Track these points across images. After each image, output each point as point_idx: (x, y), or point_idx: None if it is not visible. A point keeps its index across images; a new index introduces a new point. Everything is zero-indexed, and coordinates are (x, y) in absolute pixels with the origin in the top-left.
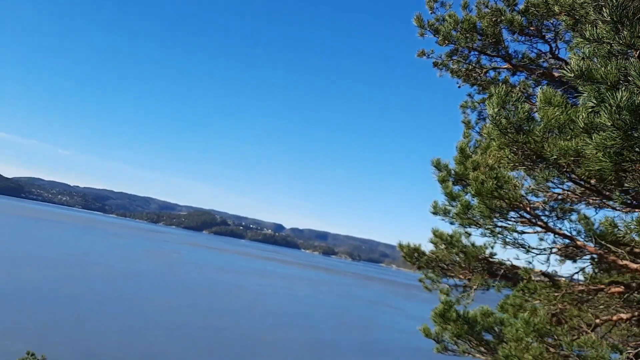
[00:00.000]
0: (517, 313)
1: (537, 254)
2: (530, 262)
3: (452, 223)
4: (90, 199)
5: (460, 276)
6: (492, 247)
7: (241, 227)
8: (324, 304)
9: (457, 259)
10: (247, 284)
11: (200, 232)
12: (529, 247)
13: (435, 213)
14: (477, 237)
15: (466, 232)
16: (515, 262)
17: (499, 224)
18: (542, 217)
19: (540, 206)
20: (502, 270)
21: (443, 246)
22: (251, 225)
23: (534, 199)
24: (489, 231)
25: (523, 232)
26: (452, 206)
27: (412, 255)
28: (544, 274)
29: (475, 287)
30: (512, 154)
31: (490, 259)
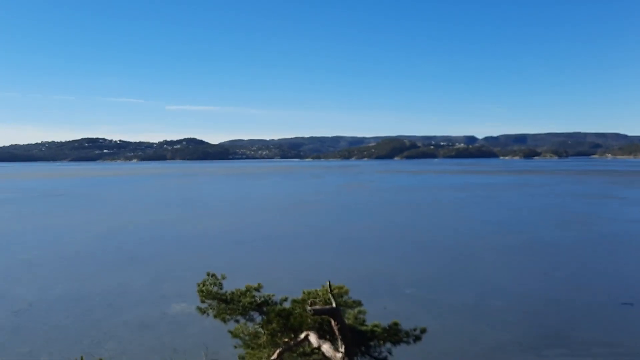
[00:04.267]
0: None
1: None
2: None
3: None
4: (286, 149)
5: None
6: None
7: (432, 147)
8: (535, 206)
9: None
10: (448, 198)
11: (392, 160)
12: None
13: None
14: None
15: None
16: None
17: None
18: None
19: None
20: None
21: None
22: (442, 143)
23: None
24: None
25: None
26: None
27: None
28: None
29: None
30: None
31: None
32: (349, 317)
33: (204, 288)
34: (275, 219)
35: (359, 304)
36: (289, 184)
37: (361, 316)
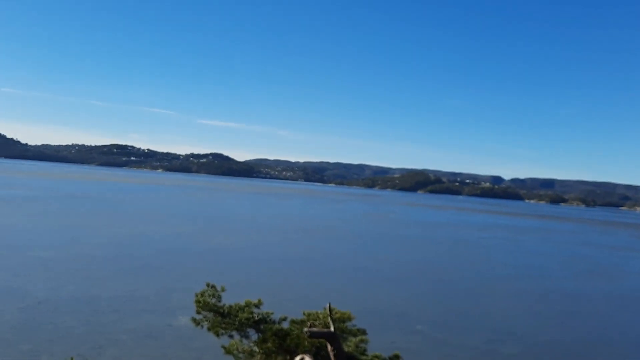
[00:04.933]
0: None
1: None
2: None
3: None
4: (310, 172)
5: None
6: None
7: (457, 184)
8: (557, 253)
9: None
10: (469, 237)
11: (415, 193)
12: None
13: None
14: None
15: None
16: None
17: None
18: None
19: None
20: None
21: None
22: (467, 181)
23: None
24: None
25: None
26: None
27: None
28: None
29: None
30: None
31: None
32: (350, 344)
33: (201, 299)
34: (293, 240)
35: (363, 332)
36: (311, 208)
37: (363, 345)
